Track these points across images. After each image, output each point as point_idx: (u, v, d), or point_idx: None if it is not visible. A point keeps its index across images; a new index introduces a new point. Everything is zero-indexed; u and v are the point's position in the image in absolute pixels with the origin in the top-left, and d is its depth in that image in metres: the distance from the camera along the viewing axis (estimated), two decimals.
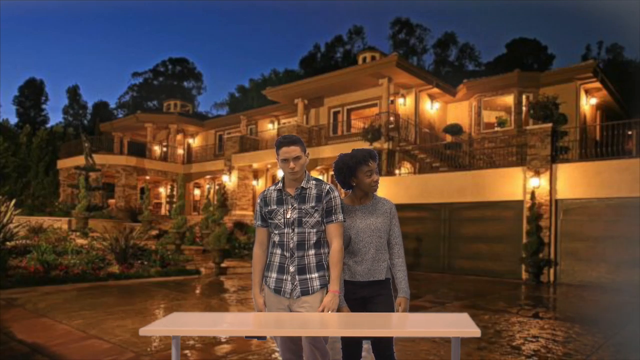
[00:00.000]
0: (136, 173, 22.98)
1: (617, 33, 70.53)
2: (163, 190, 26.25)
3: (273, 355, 4.52)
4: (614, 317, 7.29)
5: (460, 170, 14.39)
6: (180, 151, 26.34)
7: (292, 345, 2.62)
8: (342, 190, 2.93)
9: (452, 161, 15.28)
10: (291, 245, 2.60)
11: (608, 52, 38.82)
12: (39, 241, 11.47)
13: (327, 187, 2.65)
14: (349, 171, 2.74)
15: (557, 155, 12.04)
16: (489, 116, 17.82)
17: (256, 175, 21.72)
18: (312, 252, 2.61)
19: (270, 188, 2.75)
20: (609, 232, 10.83)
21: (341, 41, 46.81)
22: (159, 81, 51.31)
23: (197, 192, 25.75)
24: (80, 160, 20.55)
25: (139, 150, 25.56)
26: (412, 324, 2.58)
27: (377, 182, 2.74)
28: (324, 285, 2.59)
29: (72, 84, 58.48)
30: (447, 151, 15.58)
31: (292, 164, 2.57)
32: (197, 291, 9.01)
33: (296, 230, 2.60)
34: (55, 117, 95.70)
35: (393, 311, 2.71)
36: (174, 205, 17.67)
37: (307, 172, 2.71)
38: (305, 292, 2.57)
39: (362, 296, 2.69)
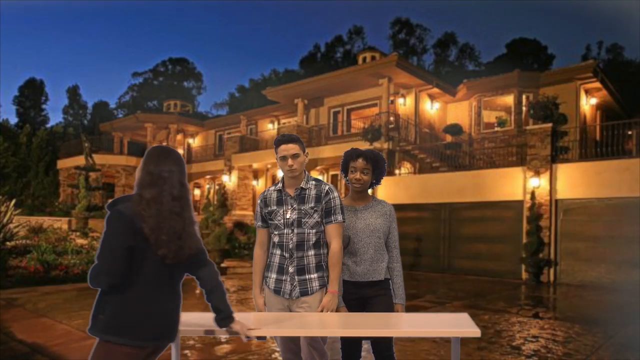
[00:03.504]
0: None
1: (617, 33, 70.69)
2: None
3: (273, 355, 4.52)
4: (614, 317, 7.29)
5: (460, 170, 14.39)
6: (180, 151, 26.22)
7: (292, 345, 2.63)
8: (342, 191, 2.94)
9: (452, 161, 15.28)
10: (290, 246, 2.60)
11: (608, 52, 38.85)
12: (39, 241, 11.48)
13: (327, 187, 2.64)
14: (343, 166, 2.86)
15: (557, 155, 12.04)
16: (489, 116, 17.81)
17: (256, 175, 21.71)
18: (311, 252, 2.60)
19: (270, 188, 2.75)
20: (609, 232, 10.83)
21: (341, 41, 46.79)
22: (159, 81, 51.24)
23: (197, 192, 25.75)
24: (80, 160, 20.55)
25: (139, 150, 25.56)
26: (412, 324, 2.58)
27: (358, 180, 2.77)
28: (323, 286, 2.59)
29: (72, 84, 58.41)
30: (447, 151, 15.58)
31: (290, 161, 2.57)
32: (197, 291, 8.99)
33: (295, 230, 2.60)
34: (55, 117, 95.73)
35: (392, 311, 2.71)
36: None
37: (307, 172, 2.70)
38: (304, 293, 2.57)
39: (362, 296, 2.70)
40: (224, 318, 2.10)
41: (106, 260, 1.88)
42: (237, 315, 2.18)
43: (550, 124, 11.84)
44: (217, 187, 21.26)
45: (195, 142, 26.80)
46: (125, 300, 1.90)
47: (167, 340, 2.00)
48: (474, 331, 2.18)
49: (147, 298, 1.92)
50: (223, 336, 5.03)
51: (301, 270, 2.59)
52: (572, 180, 11.52)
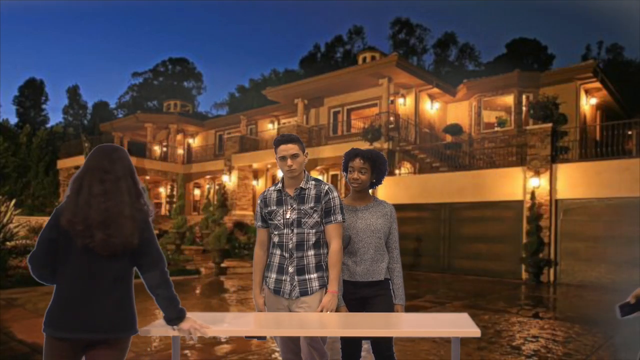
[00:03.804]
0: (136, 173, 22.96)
1: (617, 33, 70.76)
2: (163, 190, 26.25)
3: (273, 355, 4.52)
4: (614, 317, 7.28)
5: (460, 170, 14.40)
6: (180, 151, 26.34)
7: (292, 345, 2.62)
8: (343, 191, 2.95)
9: (452, 161, 15.28)
10: (290, 246, 2.60)
11: (608, 52, 38.85)
12: None
13: (327, 187, 2.64)
14: (344, 167, 2.87)
15: (557, 155, 12.04)
16: (489, 116, 17.81)
17: (256, 175, 21.71)
18: (311, 252, 2.60)
19: (270, 189, 2.75)
20: (609, 232, 10.83)
21: (341, 41, 46.78)
22: (159, 81, 51.23)
23: (197, 192, 25.75)
24: (80, 160, 20.55)
25: (139, 150, 25.55)
26: (412, 324, 2.58)
27: (355, 179, 2.77)
28: (323, 286, 2.58)
29: (72, 84, 58.37)
30: (447, 151, 15.58)
31: (289, 162, 2.56)
32: (197, 291, 9.01)
33: (295, 230, 2.59)
34: (55, 117, 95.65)
35: (392, 311, 2.71)
36: (174, 205, 17.69)
37: (306, 172, 2.70)
38: (304, 293, 2.57)
39: (362, 296, 2.70)
40: (169, 320, 2.07)
41: (33, 254, 1.98)
42: (194, 315, 2.18)
43: (550, 124, 11.84)
44: (217, 187, 21.28)
45: (195, 142, 26.80)
46: (56, 292, 1.97)
47: (101, 334, 1.93)
48: (474, 331, 2.18)
49: (73, 290, 1.94)
50: (223, 336, 5.03)
51: (301, 270, 2.58)
52: (572, 180, 11.52)
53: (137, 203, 2.04)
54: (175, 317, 2.06)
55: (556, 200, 11.68)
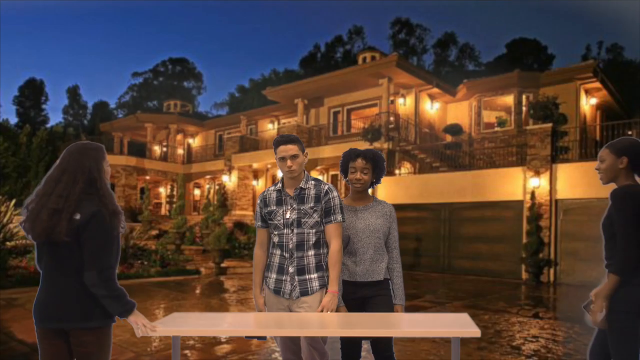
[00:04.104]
0: (136, 173, 22.98)
1: (617, 33, 70.78)
2: (163, 190, 26.25)
3: (273, 355, 4.52)
4: None
5: (460, 170, 14.39)
6: (180, 151, 26.33)
7: (292, 345, 2.62)
8: (342, 191, 2.94)
9: (452, 161, 15.28)
10: (290, 246, 2.60)
11: (608, 52, 38.85)
12: None
13: (326, 187, 2.64)
14: (342, 167, 2.86)
15: (557, 155, 12.04)
16: (489, 116, 17.81)
17: (256, 175, 21.71)
18: (311, 252, 2.60)
19: (270, 189, 2.75)
20: None
21: (341, 41, 46.78)
22: (159, 81, 51.24)
23: (197, 192, 25.75)
24: None
25: (139, 150, 25.55)
26: (412, 324, 2.58)
27: (358, 180, 2.77)
28: (323, 286, 2.59)
29: (72, 84, 58.31)
30: (447, 151, 15.58)
31: (289, 162, 2.57)
32: (197, 291, 9.00)
33: (295, 230, 2.60)
34: (55, 117, 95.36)
35: (392, 311, 2.71)
36: (174, 205, 17.69)
37: (306, 172, 2.70)
38: (304, 293, 2.57)
39: (361, 296, 2.70)
40: (118, 314, 2.06)
41: None
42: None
43: (550, 124, 11.85)
44: (217, 187, 21.27)
45: (195, 142, 26.80)
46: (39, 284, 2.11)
47: (66, 324, 1.98)
48: (474, 331, 2.18)
49: (41, 281, 2.08)
50: (223, 336, 5.03)
51: (301, 270, 2.59)
52: (572, 180, 11.52)
53: (83, 199, 2.02)
54: (120, 311, 2.05)
55: (556, 200, 11.67)
